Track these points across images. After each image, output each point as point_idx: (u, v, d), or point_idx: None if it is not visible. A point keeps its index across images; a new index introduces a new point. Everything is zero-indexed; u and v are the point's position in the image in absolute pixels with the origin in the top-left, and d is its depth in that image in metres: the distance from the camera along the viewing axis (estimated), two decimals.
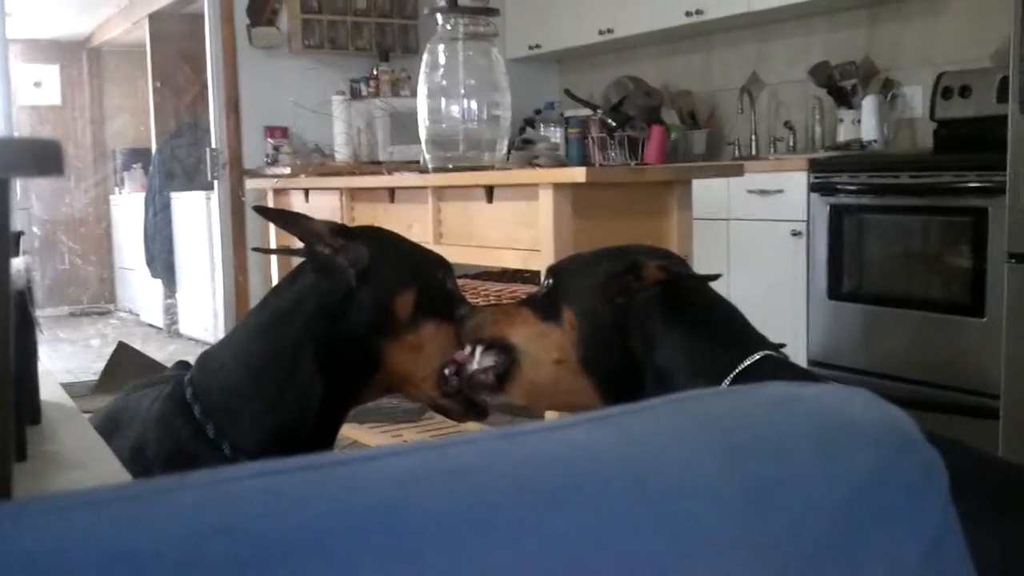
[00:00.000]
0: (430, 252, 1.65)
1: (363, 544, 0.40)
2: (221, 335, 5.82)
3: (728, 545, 0.44)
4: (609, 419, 0.51)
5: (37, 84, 8.83)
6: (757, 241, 4.28)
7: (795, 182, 4.09)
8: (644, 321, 1.34)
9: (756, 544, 0.45)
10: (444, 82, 3.15)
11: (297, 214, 1.54)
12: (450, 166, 3.17)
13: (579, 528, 0.42)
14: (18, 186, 5.47)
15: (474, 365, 1.50)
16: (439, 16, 3.13)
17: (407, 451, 0.47)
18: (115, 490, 0.44)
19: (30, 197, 8.23)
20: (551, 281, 1.47)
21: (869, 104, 4.44)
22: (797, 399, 0.52)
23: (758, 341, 1.33)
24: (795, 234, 4.10)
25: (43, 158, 0.42)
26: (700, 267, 1.51)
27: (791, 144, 4.98)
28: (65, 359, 6.44)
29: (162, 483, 0.44)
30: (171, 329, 7.45)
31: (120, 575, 0.38)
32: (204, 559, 0.39)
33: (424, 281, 1.54)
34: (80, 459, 0.90)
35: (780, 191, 4.17)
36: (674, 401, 0.54)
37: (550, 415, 2.64)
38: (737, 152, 5.23)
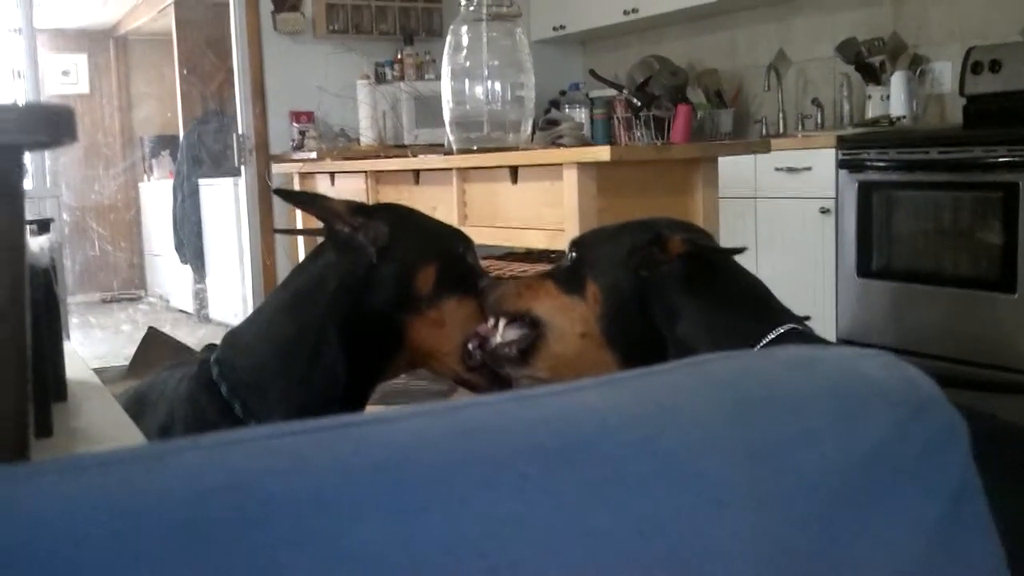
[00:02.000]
0: (449, 227, 1.65)
1: (369, 499, 0.40)
2: None
3: (734, 500, 0.44)
4: (622, 381, 0.51)
5: (65, 73, 8.89)
6: (785, 219, 4.25)
7: (823, 159, 4.06)
8: (668, 294, 1.33)
9: (764, 500, 0.44)
10: (468, 63, 3.15)
11: (316, 195, 1.55)
12: (475, 147, 3.17)
13: (584, 484, 0.42)
14: (47, 173, 5.52)
15: (497, 339, 1.50)
16: None
17: (419, 413, 0.47)
18: (125, 451, 0.45)
19: (59, 184, 8.29)
20: (574, 254, 1.46)
21: (898, 80, 4.39)
22: (813, 360, 0.52)
23: (783, 314, 1.32)
24: (824, 211, 4.06)
25: (56, 124, 0.43)
26: (728, 243, 1.50)
27: (819, 121, 4.93)
28: (96, 345, 6.51)
29: (172, 444, 0.44)
30: (201, 314, 7.51)
31: (128, 534, 0.38)
32: (211, 517, 0.39)
33: (444, 256, 1.55)
34: (106, 435, 0.90)
35: (808, 168, 4.13)
36: (689, 364, 0.53)
37: None
38: (764, 130, 5.19)
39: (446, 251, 1.55)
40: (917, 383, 0.51)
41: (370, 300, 1.47)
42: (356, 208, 1.51)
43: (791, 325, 1.29)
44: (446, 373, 1.57)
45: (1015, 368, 3.36)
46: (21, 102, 5.40)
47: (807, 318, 1.39)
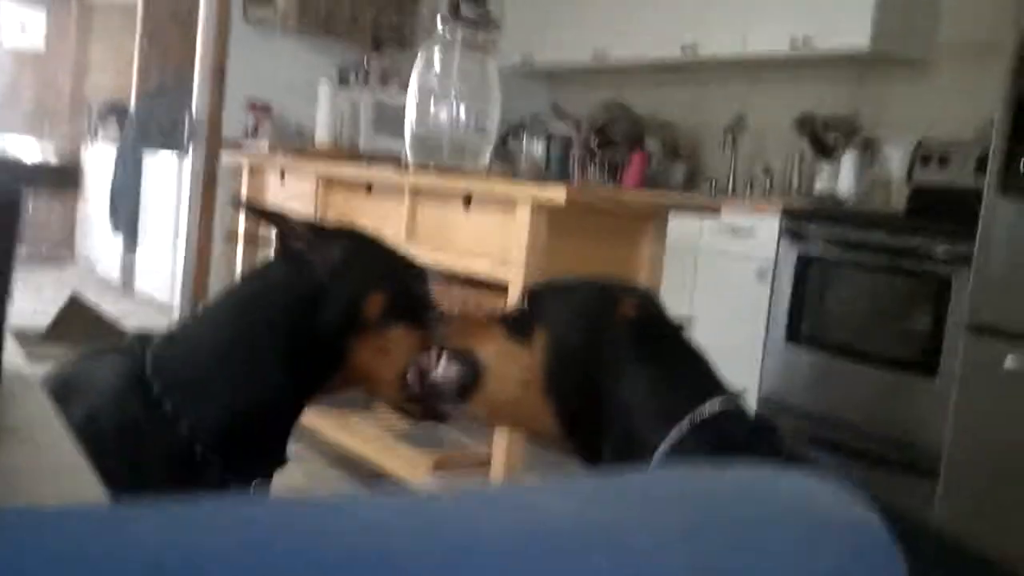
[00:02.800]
0: (405, 256, 1.65)
1: None
2: (178, 297, 5.79)
3: None
4: (581, 490, 0.52)
5: (22, 28, 8.70)
6: (724, 277, 4.33)
7: (767, 225, 4.14)
8: (612, 356, 1.35)
9: None
10: (436, 86, 3.16)
11: (274, 212, 1.55)
12: (431, 165, 3.17)
13: None
14: None
15: (438, 373, 1.51)
16: (440, 20, 3.13)
17: (378, 503, 0.47)
18: (84, 510, 0.44)
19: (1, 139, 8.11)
20: (528, 302, 1.48)
21: (849, 160, 4.50)
22: (767, 482, 0.53)
23: (719, 389, 1.35)
24: (761, 275, 4.14)
25: (63, 180, 0.42)
26: (667, 297, 1.53)
27: (767, 188, 5.03)
28: (15, 302, 6.35)
29: (127, 509, 0.44)
30: (127, 285, 7.37)
31: None
32: None
33: (396, 285, 1.55)
34: (33, 433, 0.89)
35: (751, 232, 4.21)
36: (644, 475, 0.54)
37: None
38: (714, 188, 5.28)
39: (398, 280, 1.55)
40: (868, 522, 0.53)
41: (315, 319, 1.47)
42: (314, 228, 1.51)
43: (727, 400, 1.32)
44: (383, 399, 1.57)
45: (925, 450, 3.46)
46: None
47: (742, 392, 1.42)
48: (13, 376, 1.05)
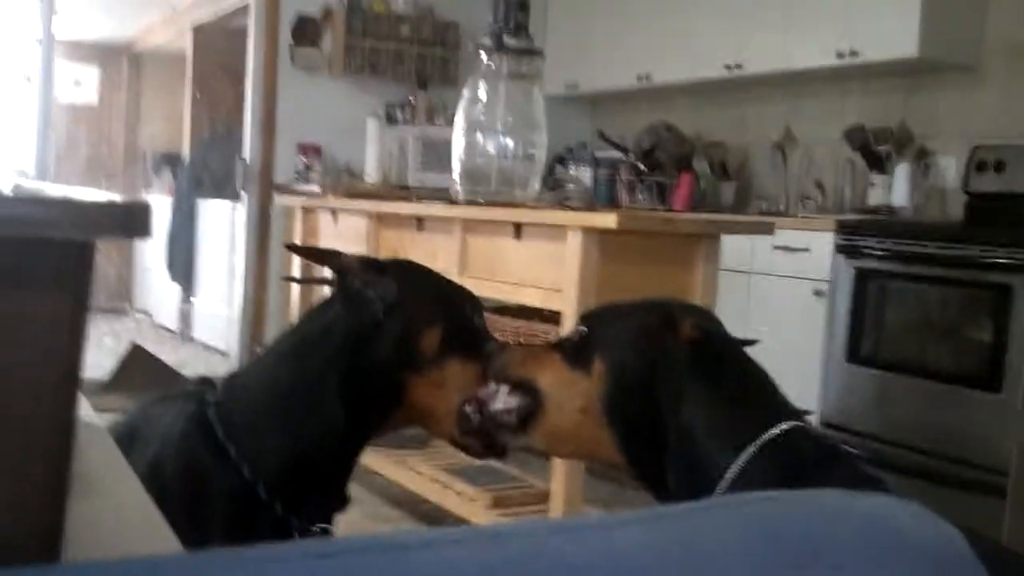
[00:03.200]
0: (460, 288, 1.66)
1: None
2: (235, 343, 5.86)
3: None
4: (661, 520, 0.51)
5: (77, 83, 8.92)
6: (779, 297, 4.28)
7: (821, 242, 4.09)
8: (674, 379, 1.33)
9: None
10: (483, 118, 3.17)
11: (328, 250, 1.56)
12: (481, 200, 3.18)
13: None
14: (50, 180, 5.52)
15: (497, 404, 1.50)
16: (483, 53, 3.15)
17: (461, 539, 0.47)
18: (169, 561, 0.44)
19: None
20: (584, 328, 1.47)
21: (902, 171, 4.45)
22: (850, 510, 0.52)
23: (786, 409, 1.33)
24: (817, 294, 4.09)
25: (131, 221, 0.43)
26: (722, 319, 1.51)
27: (820, 203, 4.98)
28: None
29: (218, 556, 0.44)
30: (184, 334, 7.47)
31: None
32: None
33: (451, 318, 1.55)
34: (105, 484, 0.90)
35: (806, 249, 4.17)
36: (728, 505, 0.54)
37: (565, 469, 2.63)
38: (765, 207, 5.24)
39: (454, 313, 1.55)
40: (951, 541, 0.52)
41: (373, 355, 1.47)
42: (368, 263, 1.52)
43: (794, 422, 1.30)
44: (441, 434, 1.57)
45: (992, 468, 3.37)
46: (33, 108, 5.42)
47: (807, 413, 1.40)
48: (81, 425, 1.06)
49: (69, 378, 0.47)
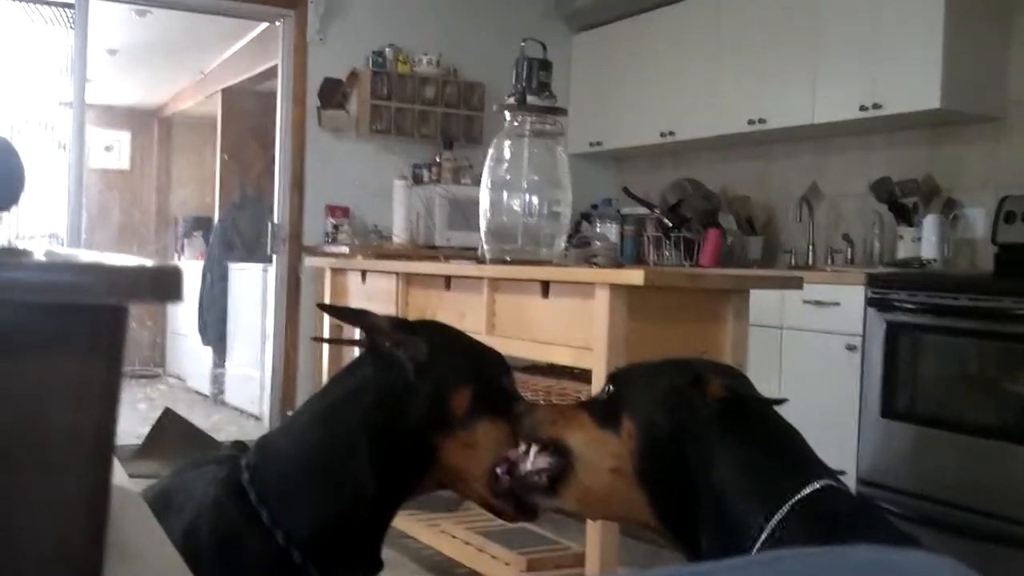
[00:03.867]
0: (488, 349, 1.66)
1: None
2: (267, 407, 5.87)
3: None
4: None
5: (108, 149, 9.08)
6: (811, 352, 4.25)
7: (852, 295, 4.06)
8: (704, 438, 1.32)
9: None
10: (508, 176, 3.20)
11: (359, 310, 1.57)
12: (508, 258, 3.19)
13: None
14: (82, 247, 5.60)
15: (528, 466, 1.49)
16: (507, 113, 3.19)
17: None
18: None
19: None
20: (612, 388, 1.46)
21: (930, 223, 4.43)
22: (884, 568, 0.51)
23: (818, 468, 1.31)
24: (850, 348, 4.06)
25: (163, 286, 0.44)
26: (752, 375, 1.50)
27: (849, 257, 4.96)
28: None
29: None
30: (217, 398, 7.51)
31: None
32: None
33: (481, 378, 1.55)
34: (140, 548, 0.90)
35: (836, 304, 4.14)
36: (763, 563, 0.53)
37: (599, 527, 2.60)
38: (793, 261, 5.22)
39: (483, 374, 1.55)
40: None
41: (404, 416, 1.47)
42: (398, 324, 1.52)
43: (826, 481, 1.28)
44: (472, 496, 1.56)
45: None
46: (66, 176, 5.51)
47: (841, 473, 1.38)
48: (116, 490, 1.06)
49: (104, 440, 0.48)
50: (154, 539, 0.91)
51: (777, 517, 1.22)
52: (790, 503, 1.23)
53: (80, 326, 0.45)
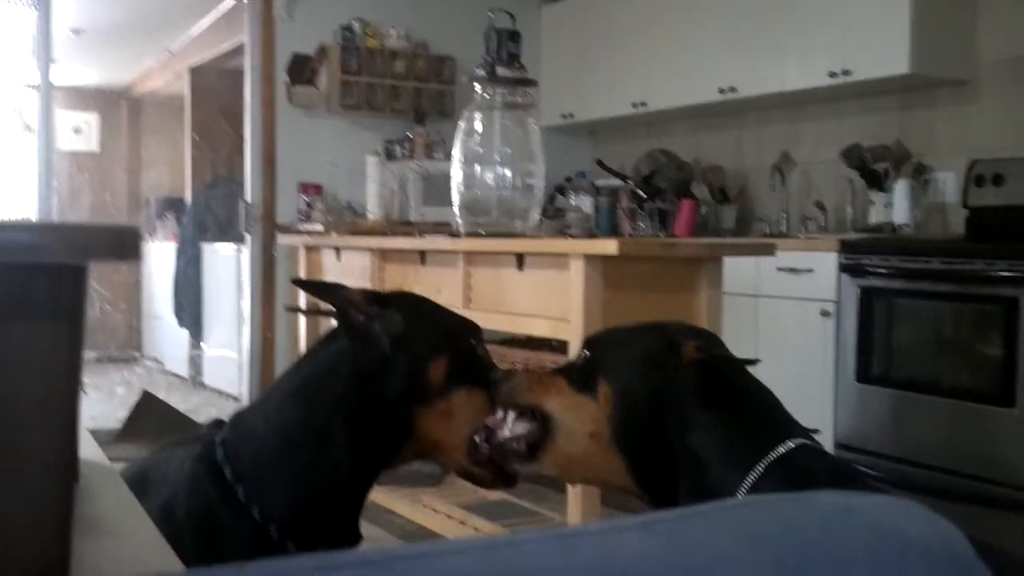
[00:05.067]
0: (462, 318, 1.66)
1: None
2: (245, 388, 5.85)
3: None
4: (662, 524, 0.51)
5: (77, 131, 8.98)
6: (786, 319, 4.27)
7: (825, 262, 4.09)
8: (678, 400, 1.33)
9: None
10: (480, 149, 3.19)
11: (332, 284, 1.55)
12: (482, 232, 3.19)
13: None
14: None
15: (506, 432, 1.49)
16: (478, 85, 3.17)
17: (457, 550, 0.47)
18: None
19: None
20: (587, 353, 1.46)
21: (901, 188, 4.45)
22: (849, 511, 0.52)
23: (792, 428, 1.32)
24: (824, 314, 4.08)
25: (121, 244, 0.43)
26: (728, 343, 1.50)
27: (822, 224, 4.98)
28: (89, 405, 6.46)
29: (212, 574, 0.44)
30: (195, 380, 7.47)
31: None
32: None
33: (457, 347, 1.55)
34: (117, 523, 0.90)
35: (810, 270, 4.16)
36: (727, 509, 0.53)
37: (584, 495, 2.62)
38: (767, 229, 5.25)
39: (459, 343, 1.55)
40: (950, 538, 0.51)
41: (380, 389, 1.46)
42: (371, 297, 1.51)
43: (800, 440, 1.29)
44: (451, 465, 1.56)
45: (1011, 483, 3.35)
46: (34, 159, 5.45)
47: (815, 431, 1.39)
48: (93, 468, 1.06)
49: (67, 402, 0.47)
50: (132, 514, 0.91)
51: (753, 476, 1.23)
52: (765, 462, 1.24)
53: (40, 287, 0.44)
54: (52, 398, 0.46)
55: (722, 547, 0.47)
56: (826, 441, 3.90)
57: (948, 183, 4.46)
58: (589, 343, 1.50)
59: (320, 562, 0.43)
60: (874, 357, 3.90)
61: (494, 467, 1.53)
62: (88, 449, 1.11)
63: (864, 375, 3.92)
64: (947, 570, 0.51)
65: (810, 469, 1.25)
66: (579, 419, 1.42)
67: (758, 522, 0.50)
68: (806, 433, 1.33)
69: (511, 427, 1.49)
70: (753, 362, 1.39)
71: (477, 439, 1.52)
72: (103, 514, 0.89)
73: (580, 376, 1.44)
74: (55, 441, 0.47)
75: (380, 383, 1.46)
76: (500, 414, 1.51)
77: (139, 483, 1.43)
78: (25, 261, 0.42)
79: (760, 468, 1.24)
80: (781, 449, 1.26)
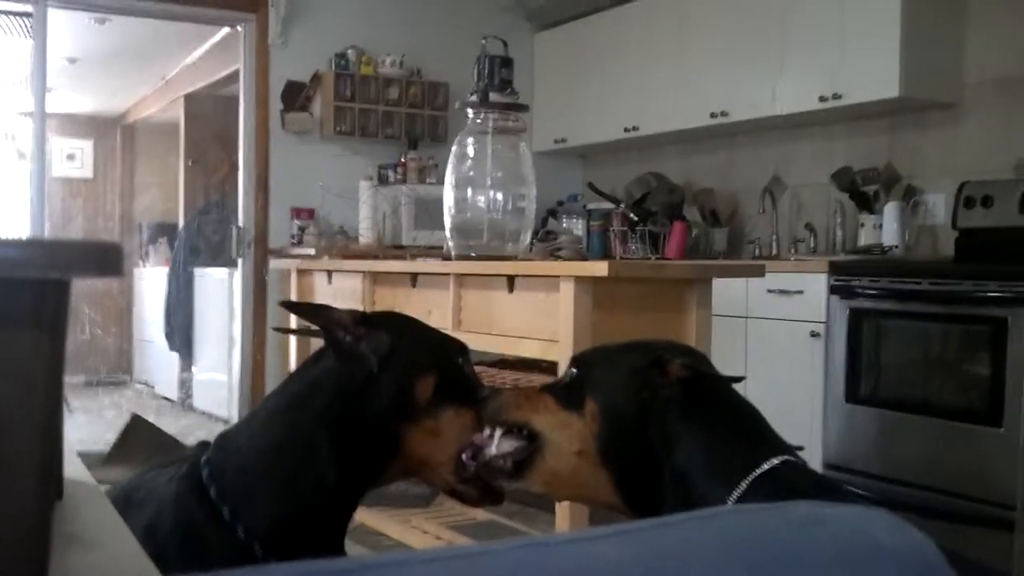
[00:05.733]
0: (448, 336, 1.66)
1: None
2: (235, 411, 5.84)
3: None
4: (638, 533, 0.52)
5: (70, 157, 9.00)
6: (776, 341, 4.28)
7: (815, 284, 4.11)
8: (665, 417, 1.34)
9: None
10: (472, 173, 3.20)
11: (320, 306, 1.56)
12: (473, 254, 3.20)
13: None
14: None
15: (492, 450, 1.50)
16: (470, 110, 3.19)
17: (433, 558, 0.47)
18: None
19: None
20: (575, 370, 1.47)
21: (891, 210, 4.48)
22: (821, 521, 0.52)
23: (776, 444, 1.33)
24: (814, 335, 4.10)
25: (104, 260, 0.44)
26: (718, 364, 1.51)
27: (812, 246, 5.01)
28: (79, 428, 6.44)
29: None
30: (185, 403, 7.46)
31: None
32: None
33: (443, 366, 1.55)
34: (100, 539, 0.90)
35: (800, 292, 4.18)
36: (700, 518, 0.54)
37: (568, 510, 2.62)
38: (757, 251, 5.27)
39: (445, 361, 1.56)
40: (922, 548, 0.52)
41: (367, 408, 1.47)
42: (359, 317, 1.52)
43: (784, 457, 1.30)
44: (438, 483, 1.56)
45: (999, 503, 3.35)
46: (27, 183, 5.47)
47: (800, 448, 1.40)
48: (76, 485, 1.06)
49: (48, 416, 0.48)
50: (113, 529, 0.91)
51: (737, 492, 1.24)
52: (749, 478, 1.25)
53: (23, 301, 0.45)
54: (31, 409, 0.47)
55: (694, 553, 0.48)
56: (815, 461, 3.91)
57: (937, 205, 4.49)
58: (576, 361, 1.50)
59: (297, 571, 0.44)
60: (863, 378, 3.91)
61: (481, 484, 1.54)
62: (73, 467, 1.11)
63: (853, 395, 3.93)
64: (914, 573, 0.51)
65: (795, 484, 1.26)
66: (566, 436, 1.42)
67: (731, 529, 0.50)
68: (791, 450, 1.34)
69: (498, 445, 1.49)
70: (739, 379, 1.40)
71: (464, 457, 1.52)
72: (85, 529, 0.90)
73: (567, 393, 1.45)
74: (33, 449, 0.48)
75: (367, 401, 1.47)
76: (487, 432, 1.51)
77: (124, 502, 1.43)
78: (8, 275, 0.43)
79: (744, 485, 1.24)
80: (765, 466, 1.27)
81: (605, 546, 0.48)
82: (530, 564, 0.46)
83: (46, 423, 0.49)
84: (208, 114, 8.01)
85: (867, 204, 4.62)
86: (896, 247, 4.43)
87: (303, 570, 0.45)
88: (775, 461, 1.28)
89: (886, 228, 4.48)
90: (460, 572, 0.46)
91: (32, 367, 0.47)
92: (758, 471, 1.26)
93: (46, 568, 0.53)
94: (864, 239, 4.59)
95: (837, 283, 4.02)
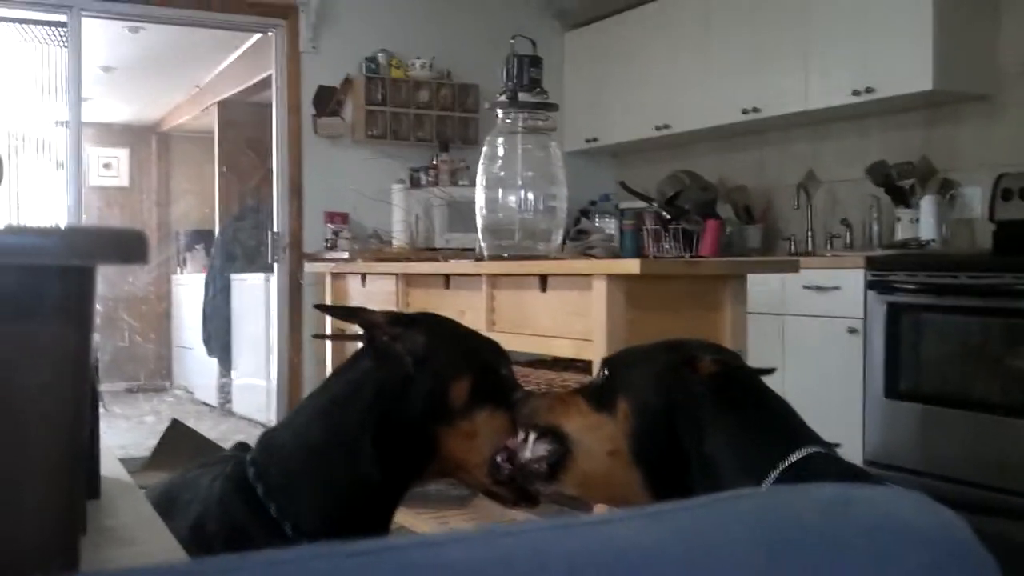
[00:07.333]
0: (485, 338, 1.67)
1: None
2: (274, 415, 5.88)
3: None
4: (661, 515, 0.52)
5: (107, 166, 9.11)
6: (813, 337, 4.25)
7: (852, 279, 4.07)
8: (696, 413, 1.34)
9: None
10: (502, 173, 3.21)
11: (355, 307, 1.58)
12: (505, 255, 3.20)
13: None
14: None
15: (527, 453, 1.50)
16: (499, 110, 3.20)
17: (459, 539, 0.48)
18: (170, 569, 0.45)
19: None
20: (606, 372, 1.47)
21: (927, 204, 4.43)
22: (848, 501, 0.52)
23: (808, 437, 1.32)
24: (851, 331, 4.06)
25: (128, 247, 0.44)
26: (755, 362, 1.51)
27: (848, 241, 4.96)
28: (119, 435, 6.52)
29: (219, 562, 0.45)
30: (224, 408, 7.52)
31: None
32: None
33: (479, 368, 1.56)
34: (137, 535, 0.91)
35: (837, 288, 4.15)
36: (725, 499, 0.54)
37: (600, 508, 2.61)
38: (792, 248, 5.23)
39: (481, 363, 1.57)
40: (951, 526, 0.52)
41: (404, 409, 1.48)
42: (395, 318, 1.54)
43: (815, 448, 1.29)
44: (474, 484, 1.57)
45: None
46: (64, 192, 5.54)
47: (837, 445, 1.39)
48: (114, 483, 1.08)
49: (76, 402, 0.49)
50: (150, 527, 0.93)
51: (768, 481, 1.24)
52: (779, 468, 1.24)
53: (46, 288, 0.46)
54: (60, 396, 0.48)
55: (718, 534, 0.48)
56: (855, 458, 3.87)
57: (974, 198, 4.43)
58: (608, 362, 1.51)
59: (320, 551, 0.44)
60: (902, 373, 3.87)
61: (516, 487, 1.54)
62: (110, 467, 1.13)
63: (892, 391, 3.89)
64: (949, 557, 0.51)
65: (825, 473, 1.25)
66: (598, 438, 1.43)
67: (755, 510, 0.50)
68: (823, 442, 1.33)
69: (532, 448, 1.50)
70: (769, 371, 1.39)
71: (499, 459, 1.53)
72: (122, 526, 0.91)
73: (599, 395, 1.45)
74: (62, 436, 0.49)
75: (404, 402, 1.48)
76: (521, 435, 1.52)
77: (166, 502, 1.45)
78: (33, 263, 0.44)
79: (775, 474, 1.24)
80: (794, 457, 1.26)
81: (628, 527, 0.48)
82: (553, 544, 0.46)
83: (74, 411, 0.49)
84: (241, 121, 8.09)
85: (903, 198, 4.57)
86: (933, 241, 4.39)
87: (322, 549, 0.46)
88: (805, 451, 1.27)
89: (923, 222, 4.44)
90: (483, 552, 0.46)
91: (57, 355, 0.48)
92: (787, 461, 1.26)
93: (77, 549, 0.54)
94: (900, 233, 4.54)
95: (874, 278, 3.99)
